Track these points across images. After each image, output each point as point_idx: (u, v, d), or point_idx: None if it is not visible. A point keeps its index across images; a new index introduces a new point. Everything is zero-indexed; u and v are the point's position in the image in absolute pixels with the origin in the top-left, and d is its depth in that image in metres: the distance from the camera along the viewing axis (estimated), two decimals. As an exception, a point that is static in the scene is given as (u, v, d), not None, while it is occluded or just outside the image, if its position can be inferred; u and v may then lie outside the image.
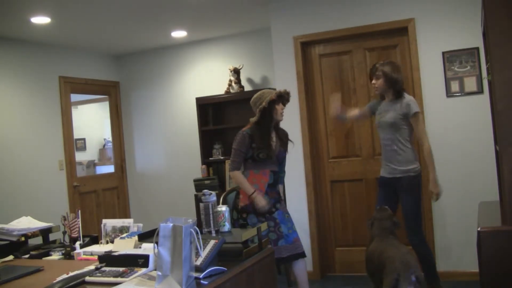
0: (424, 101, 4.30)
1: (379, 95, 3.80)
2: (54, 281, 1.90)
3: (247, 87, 5.78)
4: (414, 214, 3.60)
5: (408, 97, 3.61)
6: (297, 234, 3.58)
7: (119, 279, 1.86)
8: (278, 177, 3.65)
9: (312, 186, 4.69)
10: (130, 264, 1.98)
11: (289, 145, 3.75)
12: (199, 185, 5.49)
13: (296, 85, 4.72)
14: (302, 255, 3.54)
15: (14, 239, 2.67)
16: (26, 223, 2.85)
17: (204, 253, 1.93)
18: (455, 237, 4.23)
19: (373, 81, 3.68)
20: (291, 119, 3.76)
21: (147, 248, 2.18)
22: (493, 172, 3.55)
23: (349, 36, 4.56)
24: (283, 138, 3.68)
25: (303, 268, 3.57)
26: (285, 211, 3.63)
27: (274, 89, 3.75)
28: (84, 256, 2.43)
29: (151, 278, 1.85)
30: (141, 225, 2.73)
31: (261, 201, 3.45)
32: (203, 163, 5.75)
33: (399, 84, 3.62)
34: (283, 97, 3.55)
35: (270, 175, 3.55)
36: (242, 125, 5.68)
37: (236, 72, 5.63)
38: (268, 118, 3.53)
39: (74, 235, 2.73)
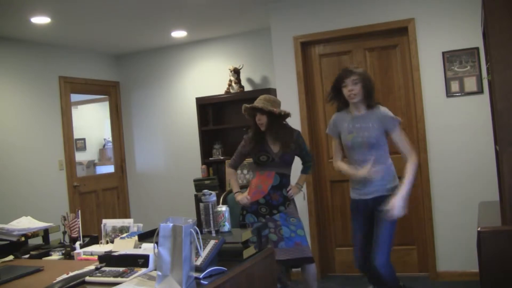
0: (424, 101, 4.31)
1: (337, 107, 3.37)
2: (54, 281, 1.90)
3: (247, 87, 5.78)
4: (391, 234, 3.19)
5: (382, 108, 3.21)
6: (304, 239, 3.52)
7: (119, 279, 1.86)
8: (285, 179, 3.61)
9: (312, 186, 4.69)
10: (130, 264, 1.98)
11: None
12: (199, 185, 5.49)
13: (296, 85, 4.72)
14: (306, 260, 3.48)
15: (14, 239, 2.67)
16: (26, 223, 2.85)
17: (204, 253, 1.93)
18: (455, 237, 4.23)
19: (350, 87, 3.12)
20: (291, 119, 3.75)
21: (147, 248, 2.18)
22: (493, 172, 3.55)
23: (349, 36, 4.56)
24: (285, 140, 3.58)
25: (310, 274, 3.55)
26: (290, 214, 3.56)
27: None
28: (84, 256, 2.43)
29: (151, 278, 1.85)
30: (141, 225, 2.73)
31: (242, 200, 3.62)
32: (203, 163, 5.75)
33: (374, 93, 3.23)
34: (253, 110, 3.62)
35: (275, 177, 3.56)
36: (242, 125, 5.72)
37: (236, 72, 5.63)
38: (254, 128, 3.68)
39: (74, 235, 2.73)
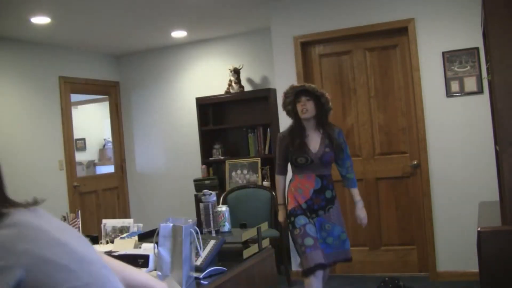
0: (424, 101, 4.31)
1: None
2: (54, 281, 1.89)
3: (247, 87, 5.78)
4: None
5: None
6: (328, 246, 3.24)
7: (119, 279, 1.86)
8: (326, 180, 3.29)
9: (312, 186, 4.69)
10: (130, 264, 1.97)
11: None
12: (199, 185, 5.49)
13: (296, 85, 4.72)
14: (318, 267, 3.14)
15: (14, 239, 2.67)
16: (26, 223, 2.85)
17: (204, 253, 1.93)
18: (455, 237, 4.23)
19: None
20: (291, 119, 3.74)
21: (147, 248, 2.18)
22: (493, 172, 3.55)
23: (349, 36, 4.56)
24: (330, 138, 3.29)
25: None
26: (327, 221, 3.26)
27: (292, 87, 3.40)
28: (84, 256, 2.43)
29: (151, 278, 1.85)
30: (141, 225, 2.73)
31: (280, 216, 3.41)
32: (203, 163, 5.75)
33: None
34: (295, 94, 3.28)
35: (316, 180, 3.25)
36: (242, 125, 5.73)
37: (236, 72, 5.63)
38: (294, 119, 3.34)
39: (74, 235, 2.73)
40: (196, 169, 5.86)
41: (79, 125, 7.45)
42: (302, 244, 3.14)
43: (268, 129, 5.45)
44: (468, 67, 4.17)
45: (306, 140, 3.29)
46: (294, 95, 3.29)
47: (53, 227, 1.09)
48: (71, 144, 5.77)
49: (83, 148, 8.35)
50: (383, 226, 4.55)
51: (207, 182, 5.49)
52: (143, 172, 6.50)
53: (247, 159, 5.48)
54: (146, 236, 2.29)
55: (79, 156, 7.49)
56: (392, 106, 4.50)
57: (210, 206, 2.34)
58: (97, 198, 6.11)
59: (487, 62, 3.16)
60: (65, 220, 2.76)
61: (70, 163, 5.69)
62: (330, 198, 3.30)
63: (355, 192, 3.41)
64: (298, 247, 3.20)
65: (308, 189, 3.25)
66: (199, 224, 2.14)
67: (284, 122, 4.49)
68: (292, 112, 3.35)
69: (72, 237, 1.10)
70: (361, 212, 3.43)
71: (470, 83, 4.17)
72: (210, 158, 5.78)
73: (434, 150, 4.30)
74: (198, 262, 1.89)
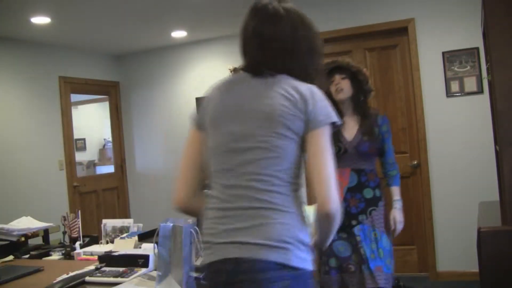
0: (424, 101, 4.31)
1: None
2: (54, 281, 1.90)
3: (247, 87, 5.78)
4: None
5: None
6: (385, 262, 2.63)
7: (119, 279, 1.86)
8: (365, 176, 2.68)
9: (312, 186, 4.69)
10: (130, 264, 1.98)
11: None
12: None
13: (296, 85, 4.72)
14: None
15: (14, 239, 2.68)
16: (26, 223, 2.86)
17: (204, 253, 1.93)
18: (455, 237, 4.23)
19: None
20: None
21: (147, 248, 2.18)
22: (493, 172, 3.55)
23: (349, 36, 4.56)
24: (368, 125, 2.70)
25: None
26: (374, 226, 2.65)
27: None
28: (84, 256, 2.44)
29: (151, 278, 1.85)
30: (141, 225, 2.73)
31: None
32: (203, 163, 5.74)
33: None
34: (327, 72, 2.70)
35: (351, 176, 2.66)
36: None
37: (236, 72, 5.62)
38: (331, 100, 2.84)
39: (74, 235, 2.73)
40: (196, 169, 5.86)
41: (79, 125, 7.45)
42: (326, 263, 2.66)
43: (268, 129, 5.44)
44: (468, 67, 4.17)
45: (341, 126, 2.62)
46: (327, 73, 2.69)
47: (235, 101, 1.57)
48: (71, 144, 5.77)
49: (83, 148, 8.35)
50: (383, 226, 4.55)
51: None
52: (143, 172, 6.50)
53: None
54: (146, 236, 2.29)
55: (79, 156, 7.49)
56: (392, 106, 4.50)
57: (210, 206, 2.33)
58: (97, 198, 6.11)
59: (487, 62, 3.16)
60: (65, 220, 2.77)
61: (70, 163, 5.68)
62: (372, 199, 2.68)
63: (396, 190, 2.80)
64: (321, 262, 2.70)
65: (342, 186, 2.62)
66: (199, 224, 2.14)
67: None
68: (325, 94, 2.92)
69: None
70: (398, 214, 2.78)
71: (470, 83, 4.17)
72: (210, 158, 5.78)
73: (434, 150, 4.30)
74: (198, 262, 1.89)
